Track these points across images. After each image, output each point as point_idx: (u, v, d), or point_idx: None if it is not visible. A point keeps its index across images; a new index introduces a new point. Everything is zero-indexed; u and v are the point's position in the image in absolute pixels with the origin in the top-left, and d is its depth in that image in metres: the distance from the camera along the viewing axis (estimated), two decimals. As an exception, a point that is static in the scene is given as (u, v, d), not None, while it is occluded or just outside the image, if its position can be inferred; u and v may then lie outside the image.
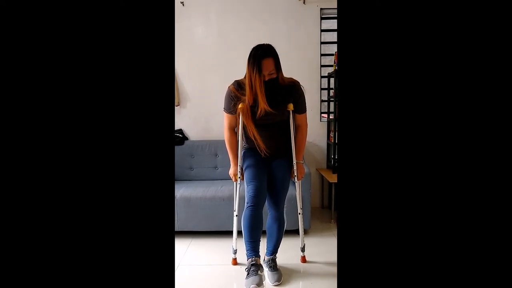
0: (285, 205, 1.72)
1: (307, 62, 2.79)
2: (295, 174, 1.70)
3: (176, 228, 2.20)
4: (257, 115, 1.55)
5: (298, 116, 1.69)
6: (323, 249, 2.05)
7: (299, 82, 1.65)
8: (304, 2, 2.72)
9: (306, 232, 2.28)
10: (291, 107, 1.64)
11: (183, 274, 1.78)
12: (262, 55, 1.47)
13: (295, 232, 2.08)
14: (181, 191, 2.26)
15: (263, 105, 1.52)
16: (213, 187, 2.30)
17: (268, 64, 1.47)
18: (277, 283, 1.63)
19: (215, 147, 2.68)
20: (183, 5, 2.72)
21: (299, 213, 1.79)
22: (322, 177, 2.85)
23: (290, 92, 1.62)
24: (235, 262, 1.87)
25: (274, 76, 1.52)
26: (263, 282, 1.58)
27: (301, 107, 1.67)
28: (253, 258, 1.62)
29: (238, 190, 1.73)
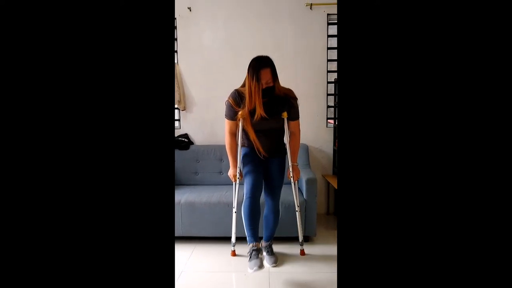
0: (280, 198, 1.92)
1: (313, 67, 2.77)
2: (292, 175, 1.88)
3: (180, 234, 2.19)
4: (254, 119, 1.73)
5: (292, 123, 1.87)
6: (329, 258, 2.01)
7: (293, 92, 1.83)
8: (311, 8, 2.71)
9: (311, 239, 2.25)
10: (285, 115, 1.83)
11: (186, 281, 1.77)
12: (261, 66, 1.65)
13: (295, 239, 2.04)
14: (186, 196, 2.25)
15: (259, 111, 1.69)
16: (218, 192, 2.29)
17: (265, 74, 1.65)
18: (274, 264, 1.86)
19: (220, 152, 2.67)
20: (190, 10, 2.73)
21: (297, 211, 1.94)
22: (328, 183, 2.82)
23: (285, 102, 1.80)
24: (233, 254, 2.03)
25: (271, 84, 1.68)
26: (263, 264, 1.75)
27: (294, 115, 1.85)
28: (254, 244, 1.79)
29: (237, 189, 1.91)
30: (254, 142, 1.79)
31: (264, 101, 1.70)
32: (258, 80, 1.63)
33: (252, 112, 1.72)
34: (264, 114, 1.69)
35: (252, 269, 1.69)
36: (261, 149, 1.81)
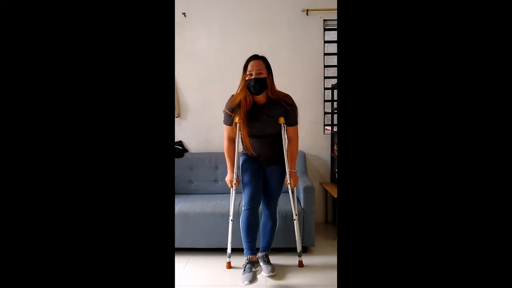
0: (277, 206, 1.92)
1: (310, 73, 2.74)
2: (289, 182, 1.82)
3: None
4: (248, 109, 1.69)
5: (290, 129, 1.82)
6: (328, 269, 1.93)
7: (291, 98, 1.78)
8: (307, 14, 2.69)
9: (309, 250, 2.18)
10: (282, 120, 1.78)
11: (179, 295, 1.68)
12: (251, 58, 1.67)
13: (293, 250, 1.97)
14: (180, 205, 2.17)
15: (249, 97, 1.67)
16: (213, 202, 2.21)
17: (256, 63, 1.65)
18: (271, 273, 1.82)
19: (215, 159, 2.61)
20: (184, 16, 2.69)
21: (295, 219, 1.88)
22: (326, 192, 2.76)
23: (281, 105, 1.74)
24: (229, 266, 1.96)
25: (263, 75, 1.65)
26: (257, 277, 1.71)
27: (292, 120, 1.79)
28: (250, 257, 1.76)
29: (234, 197, 1.87)
30: (246, 143, 1.77)
31: (261, 103, 1.72)
32: (245, 69, 1.65)
33: (247, 111, 1.70)
34: (250, 95, 1.67)
35: (244, 283, 1.65)
36: (253, 152, 1.79)
